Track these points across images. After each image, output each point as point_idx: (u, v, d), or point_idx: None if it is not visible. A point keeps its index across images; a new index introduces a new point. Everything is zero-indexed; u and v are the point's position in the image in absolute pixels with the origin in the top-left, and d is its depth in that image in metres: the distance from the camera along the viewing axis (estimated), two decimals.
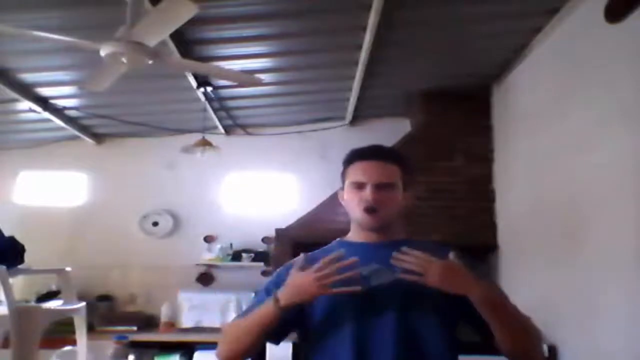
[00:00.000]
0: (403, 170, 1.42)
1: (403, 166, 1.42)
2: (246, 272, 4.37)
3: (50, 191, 4.69)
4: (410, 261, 1.25)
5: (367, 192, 1.36)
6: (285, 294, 1.27)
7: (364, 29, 2.82)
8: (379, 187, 1.36)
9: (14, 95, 3.47)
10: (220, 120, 4.36)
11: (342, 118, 4.46)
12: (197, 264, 4.41)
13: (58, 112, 3.97)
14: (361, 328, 1.29)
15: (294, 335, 1.43)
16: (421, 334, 1.28)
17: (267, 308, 1.29)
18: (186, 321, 4.02)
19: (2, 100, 3.68)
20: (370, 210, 1.36)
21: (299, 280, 1.27)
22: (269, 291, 1.38)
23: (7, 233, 2.71)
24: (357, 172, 1.40)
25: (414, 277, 1.24)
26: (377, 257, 1.35)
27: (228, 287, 4.32)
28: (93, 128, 4.55)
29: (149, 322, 4.23)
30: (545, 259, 2.96)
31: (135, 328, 4.00)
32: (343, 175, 1.46)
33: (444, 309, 1.30)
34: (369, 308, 1.30)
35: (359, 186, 1.38)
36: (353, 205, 1.40)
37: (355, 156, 1.43)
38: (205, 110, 3.98)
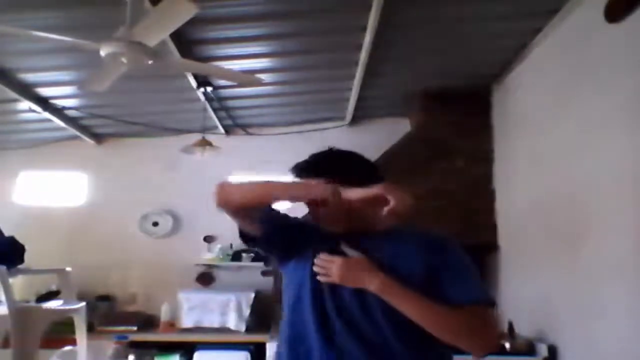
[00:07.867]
0: None
1: None
2: (246, 272, 4.38)
3: (50, 191, 4.69)
4: (319, 264, 1.33)
5: None
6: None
7: (364, 29, 2.82)
8: None
9: (14, 95, 3.47)
10: (220, 120, 4.36)
11: (342, 118, 4.46)
12: (197, 264, 4.41)
13: (58, 112, 3.97)
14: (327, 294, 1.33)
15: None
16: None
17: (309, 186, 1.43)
18: (186, 321, 4.02)
19: (2, 100, 3.69)
20: None
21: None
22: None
23: (7, 233, 2.72)
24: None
25: (323, 278, 1.31)
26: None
27: (228, 287, 4.32)
28: (93, 128, 4.55)
29: (149, 322, 4.23)
30: (545, 259, 2.95)
31: (135, 328, 4.00)
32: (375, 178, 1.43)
33: None
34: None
35: None
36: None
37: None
38: (205, 110, 3.98)
